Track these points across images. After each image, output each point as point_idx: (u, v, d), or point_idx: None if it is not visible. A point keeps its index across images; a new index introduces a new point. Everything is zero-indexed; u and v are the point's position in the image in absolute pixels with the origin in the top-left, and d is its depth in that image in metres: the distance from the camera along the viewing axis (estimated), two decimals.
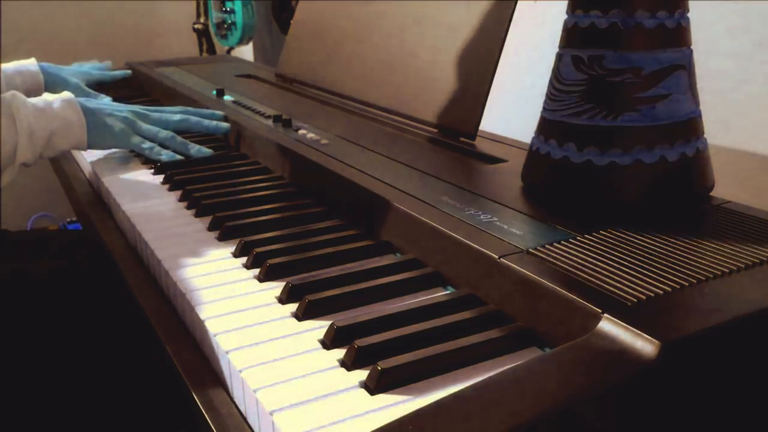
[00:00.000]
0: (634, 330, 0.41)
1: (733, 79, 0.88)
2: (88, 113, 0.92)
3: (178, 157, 0.94)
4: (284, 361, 0.49)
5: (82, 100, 0.94)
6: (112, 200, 0.84)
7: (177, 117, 0.99)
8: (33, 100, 0.89)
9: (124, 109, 0.98)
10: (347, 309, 0.55)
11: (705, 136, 0.64)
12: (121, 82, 1.48)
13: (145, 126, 0.96)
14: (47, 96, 0.91)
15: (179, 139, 0.96)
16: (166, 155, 0.93)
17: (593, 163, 0.60)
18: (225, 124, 1.01)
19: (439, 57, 0.88)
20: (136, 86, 1.47)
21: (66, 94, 0.92)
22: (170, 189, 0.85)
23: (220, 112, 1.03)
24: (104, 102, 1.00)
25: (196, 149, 0.95)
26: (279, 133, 0.91)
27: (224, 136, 1.02)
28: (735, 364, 0.44)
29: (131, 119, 0.96)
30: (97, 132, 0.92)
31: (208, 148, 0.97)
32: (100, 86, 1.38)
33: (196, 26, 2.02)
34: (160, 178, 0.89)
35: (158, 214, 0.77)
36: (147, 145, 0.94)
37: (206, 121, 1.00)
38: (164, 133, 0.96)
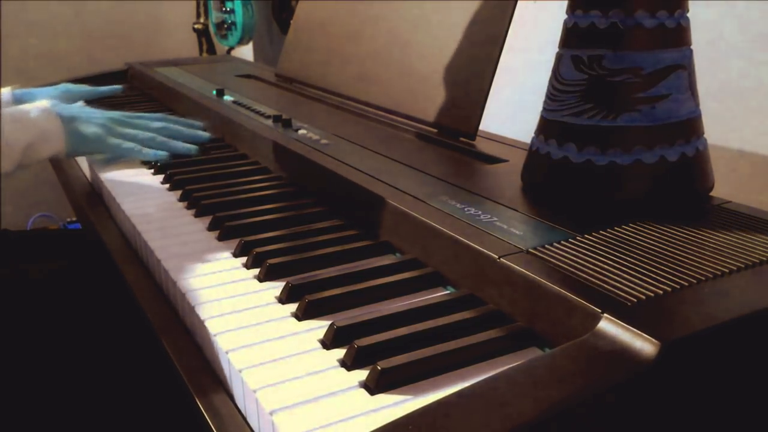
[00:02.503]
0: (634, 330, 0.41)
1: (732, 78, 0.88)
2: (66, 121, 0.90)
3: (162, 153, 0.92)
4: (284, 361, 0.49)
5: (59, 108, 0.92)
6: (112, 200, 0.84)
7: (157, 124, 0.98)
8: (9, 110, 0.87)
9: (101, 115, 0.96)
10: (347, 309, 0.55)
11: (705, 136, 0.64)
12: (120, 83, 1.48)
13: (124, 130, 0.94)
14: (25, 105, 0.90)
15: (159, 138, 0.95)
16: (152, 153, 0.92)
17: (593, 163, 0.60)
18: (205, 134, 1.00)
19: (439, 57, 0.88)
20: (136, 86, 1.47)
21: (43, 103, 0.90)
22: (170, 189, 0.85)
23: (200, 123, 1.02)
24: (82, 108, 0.97)
25: (180, 145, 0.94)
26: (279, 133, 0.91)
27: (225, 136, 1.02)
28: (735, 364, 0.44)
29: (109, 125, 0.94)
30: (75, 139, 0.90)
31: (209, 149, 0.96)
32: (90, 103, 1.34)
33: (196, 26, 2.02)
34: (160, 178, 0.89)
35: (158, 214, 0.77)
36: (127, 145, 0.92)
37: (186, 130, 0.99)
38: (144, 134, 0.94)
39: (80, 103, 1.22)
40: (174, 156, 0.94)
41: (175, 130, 0.98)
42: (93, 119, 0.94)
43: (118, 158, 0.94)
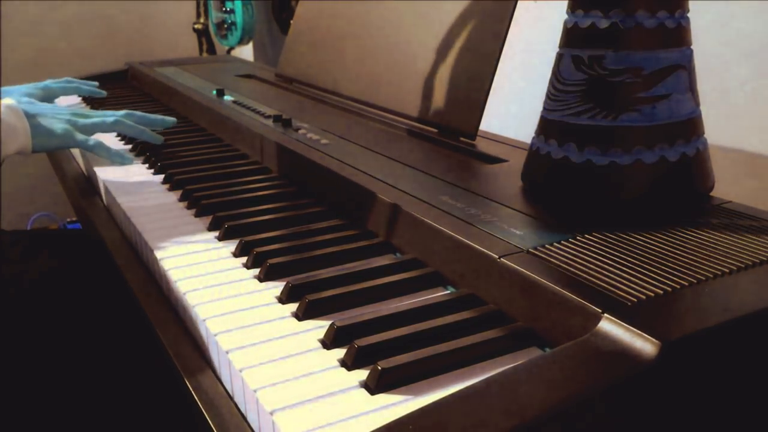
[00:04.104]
0: (634, 330, 0.41)
1: (733, 78, 0.88)
2: (31, 117, 0.91)
3: (128, 157, 0.94)
4: (284, 360, 0.49)
5: (24, 104, 0.93)
6: (112, 200, 0.84)
7: (122, 112, 1.00)
8: None
9: (65, 111, 0.97)
10: (347, 309, 0.55)
11: (705, 135, 0.64)
12: (120, 83, 1.48)
13: (89, 121, 0.96)
14: None
15: (127, 122, 0.97)
16: (115, 155, 0.93)
17: (593, 163, 0.60)
18: (171, 118, 1.03)
19: (439, 57, 0.88)
20: (136, 86, 1.47)
21: (7, 101, 0.91)
22: (170, 189, 0.85)
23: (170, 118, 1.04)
24: (46, 105, 0.99)
25: (148, 133, 0.97)
26: (279, 133, 0.91)
27: (224, 136, 1.02)
28: (735, 364, 0.44)
29: (74, 119, 0.95)
30: (41, 135, 0.91)
31: (210, 149, 0.96)
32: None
33: (196, 26, 2.02)
34: (160, 177, 0.89)
35: (158, 213, 0.77)
36: (92, 142, 0.93)
37: (152, 116, 1.02)
38: (111, 119, 0.96)
39: (57, 101, 1.22)
40: (141, 143, 0.95)
41: (140, 116, 1.01)
42: (58, 115, 0.95)
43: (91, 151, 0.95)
